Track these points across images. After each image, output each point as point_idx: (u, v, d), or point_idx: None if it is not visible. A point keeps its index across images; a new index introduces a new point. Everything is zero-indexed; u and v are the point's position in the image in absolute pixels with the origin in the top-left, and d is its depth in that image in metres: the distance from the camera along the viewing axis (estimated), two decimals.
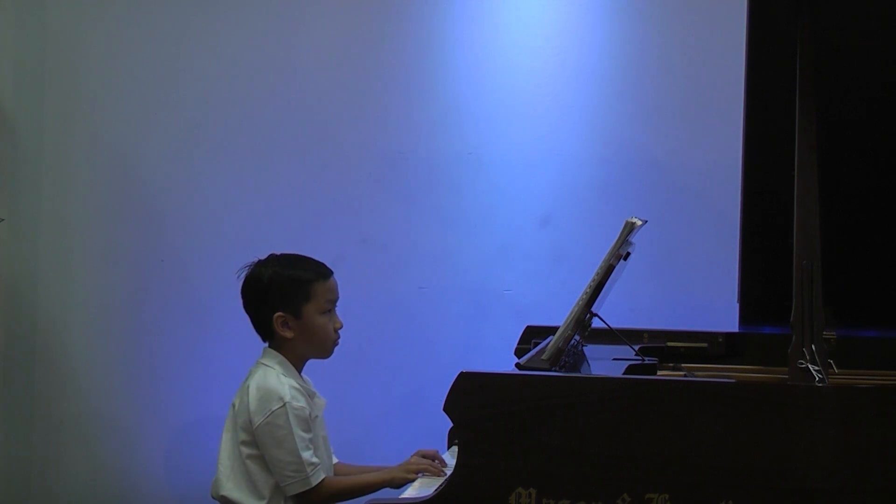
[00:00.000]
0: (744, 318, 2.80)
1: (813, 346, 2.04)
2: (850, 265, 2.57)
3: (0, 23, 3.48)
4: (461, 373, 2.05)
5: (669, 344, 2.80)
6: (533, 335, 2.82)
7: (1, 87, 3.49)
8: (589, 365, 2.48)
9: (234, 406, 2.60)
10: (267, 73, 3.53)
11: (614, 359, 2.58)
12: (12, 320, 3.55)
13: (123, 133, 3.58)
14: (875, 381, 2.53)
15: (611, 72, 3.42)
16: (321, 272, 2.64)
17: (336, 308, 2.67)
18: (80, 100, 3.59)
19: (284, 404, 2.51)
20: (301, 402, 2.54)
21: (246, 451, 2.54)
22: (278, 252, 2.69)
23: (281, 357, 2.61)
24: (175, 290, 3.56)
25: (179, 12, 3.55)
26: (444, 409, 2.06)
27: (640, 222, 2.35)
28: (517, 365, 2.28)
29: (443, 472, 2.50)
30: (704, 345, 2.81)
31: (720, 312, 2.97)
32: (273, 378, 2.56)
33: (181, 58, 3.56)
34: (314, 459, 2.52)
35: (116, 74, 3.58)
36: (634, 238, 2.40)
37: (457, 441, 2.24)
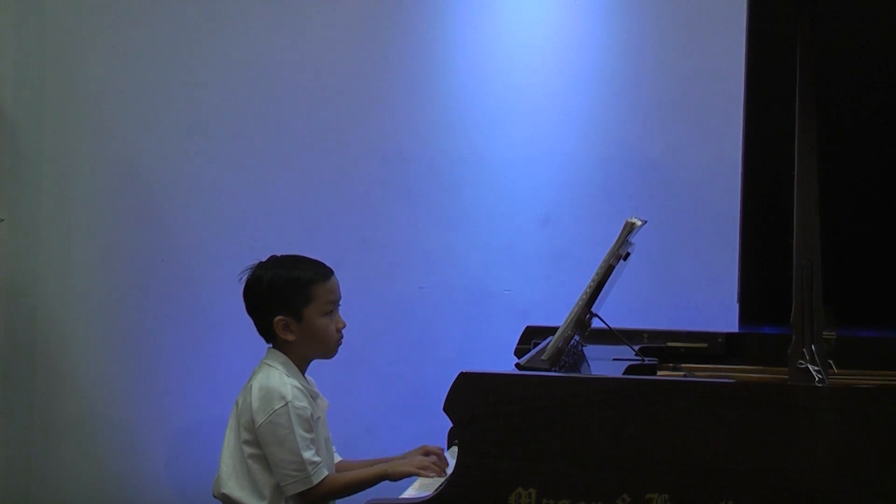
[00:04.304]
0: (744, 318, 2.80)
1: (813, 346, 2.04)
2: (850, 265, 2.57)
3: (0, 23, 3.48)
4: (461, 373, 2.05)
5: (669, 344, 2.80)
6: (533, 335, 2.81)
7: (1, 87, 3.49)
8: (589, 365, 2.48)
9: (237, 405, 2.60)
10: (268, 73, 3.53)
11: (614, 359, 2.58)
12: (12, 320, 3.55)
13: (123, 133, 3.58)
14: (875, 381, 2.53)
15: (611, 72, 3.42)
16: (321, 273, 2.62)
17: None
18: (80, 100, 3.59)
19: (286, 403, 2.50)
20: (303, 402, 2.54)
21: (248, 450, 2.54)
22: (279, 253, 2.68)
23: (284, 357, 2.61)
24: (175, 290, 3.56)
25: (180, 12, 3.55)
26: (444, 409, 2.06)
27: (639, 222, 2.35)
28: (517, 365, 2.28)
29: (444, 471, 2.49)
30: (704, 345, 2.80)
31: (720, 312, 2.97)
32: (276, 378, 2.56)
33: (181, 58, 3.55)
34: (315, 458, 2.51)
35: (116, 74, 3.57)
36: (634, 238, 2.40)
37: (457, 441, 2.24)
